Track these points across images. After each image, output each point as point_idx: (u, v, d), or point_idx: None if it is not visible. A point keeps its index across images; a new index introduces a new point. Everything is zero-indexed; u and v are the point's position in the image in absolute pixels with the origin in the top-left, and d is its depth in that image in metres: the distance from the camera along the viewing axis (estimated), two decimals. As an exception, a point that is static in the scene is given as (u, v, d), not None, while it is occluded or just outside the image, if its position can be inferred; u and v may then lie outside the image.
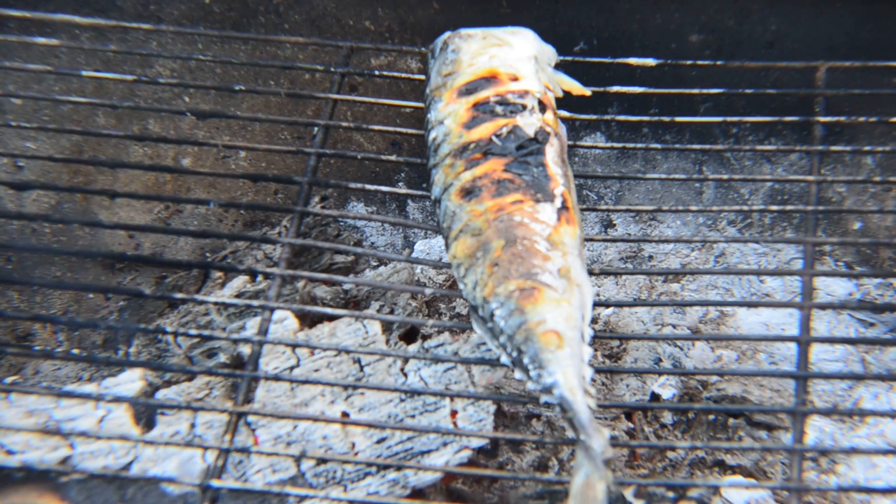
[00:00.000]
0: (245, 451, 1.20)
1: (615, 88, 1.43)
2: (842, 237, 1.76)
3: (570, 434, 1.02)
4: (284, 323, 1.43)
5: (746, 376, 1.53)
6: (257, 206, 1.85)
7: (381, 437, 1.31)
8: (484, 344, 1.21)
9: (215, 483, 1.08)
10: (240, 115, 1.64)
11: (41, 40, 1.56)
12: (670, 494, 1.31)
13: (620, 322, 1.67)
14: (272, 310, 1.23)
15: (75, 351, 1.70)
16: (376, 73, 1.63)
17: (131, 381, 1.42)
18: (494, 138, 1.22)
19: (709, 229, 1.81)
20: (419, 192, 1.37)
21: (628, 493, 1.29)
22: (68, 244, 1.78)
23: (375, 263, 1.74)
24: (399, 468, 1.33)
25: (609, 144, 1.68)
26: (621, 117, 1.50)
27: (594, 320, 1.64)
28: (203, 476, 1.10)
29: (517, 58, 1.31)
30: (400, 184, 1.85)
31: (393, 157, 1.41)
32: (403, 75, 1.64)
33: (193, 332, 1.46)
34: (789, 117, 1.41)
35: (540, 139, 1.22)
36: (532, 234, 1.13)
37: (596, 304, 1.18)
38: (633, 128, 1.79)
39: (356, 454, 1.33)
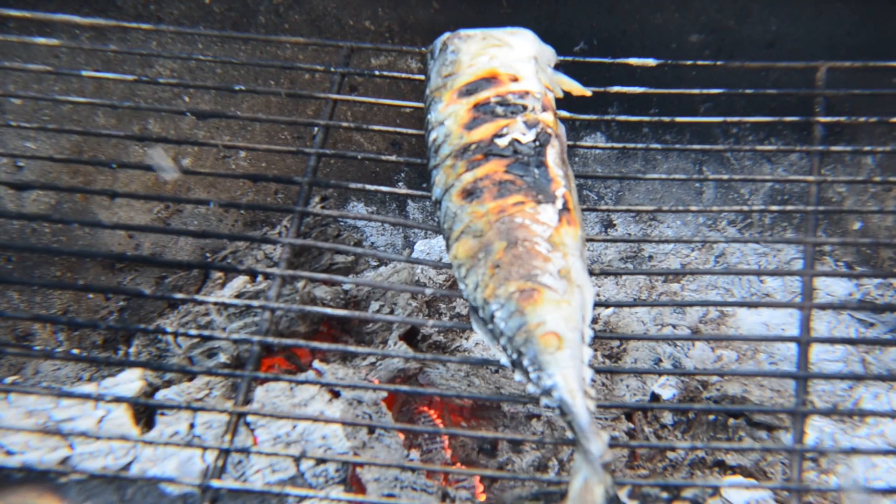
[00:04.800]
0: (245, 451, 1.20)
1: (615, 88, 1.43)
2: (842, 237, 1.76)
3: (570, 434, 1.02)
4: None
5: (746, 376, 1.53)
6: (257, 206, 1.85)
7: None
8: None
9: (215, 483, 1.08)
10: (240, 115, 1.64)
11: (41, 40, 1.56)
12: (664, 495, 1.31)
13: (620, 322, 1.67)
14: (272, 310, 1.23)
15: (75, 351, 1.70)
16: (376, 73, 1.63)
17: (131, 382, 1.42)
18: (495, 139, 1.22)
19: (709, 229, 1.81)
20: (419, 193, 1.37)
21: (623, 493, 1.29)
22: (68, 244, 1.78)
23: (375, 263, 1.74)
24: (402, 469, 1.34)
25: (609, 144, 1.68)
26: (621, 117, 1.49)
27: (594, 320, 1.64)
28: (203, 476, 1.10)
29: (517, 58, 1.31)
30: (400, 184, 1.85)
31: (393, 158, 1.41)
32: (403, 75, 1.64)
33: (193, 332, 1.46)
34: (789, 117, 1.41)
35: (541, 140, 1.22)
36: (533, 236, 1.13)
37: (596, 305, 1.18)
38: (633, 128, 1.79)
39: (356, 454, 1.33)
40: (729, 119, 1.49)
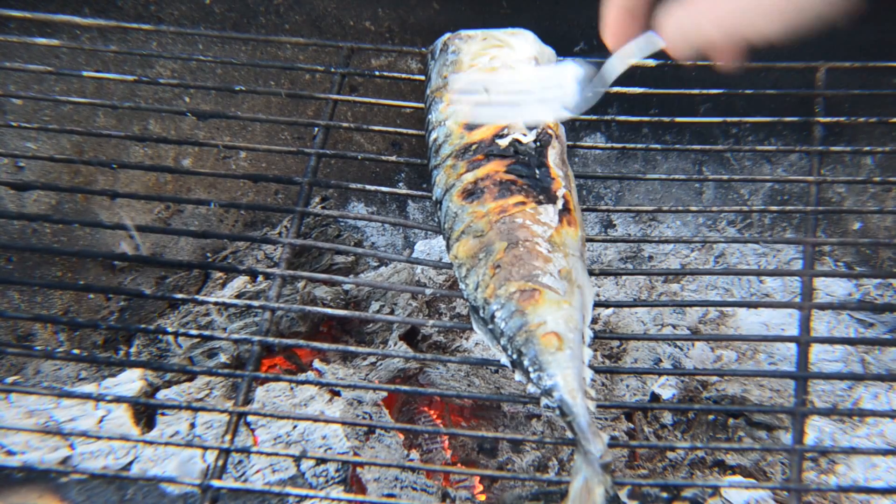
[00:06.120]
0: (245, 451, 1.20)
1: (615, 88, 1.43)
2: (842, 237, 1.76)
3: (570, 435, 1.03)
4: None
5: (746, 376, 1.54)
6: (258, 206, 1.85)
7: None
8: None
9: (216, 483, 1.09)
10: (240, 115, 1.64)
11: (42, 41, 1.56)
12: (664, 495, 1.31)
13: (620, 322, 1.67)
14: (273, 310, 1.23)
15: (76, 351, 1.70)
16: (376, 73, 1.63)
17: (131, 382, 1.42)
18: (496, 140, 1.22)
19: (709, 229, 1.81)
20: (419, 193, 1.37)
21: (623, 493, 1.29)
22: (69, 244, 1.78)
23: (376, 264, 1.74)
24: (402, 468, 1.34)
25: (609, 145, 1.69)
26: (621, 118, 1.50)
27: (594, 321, 1.64)
28: (203, 476, 1.10)
29: (517, 59, 1.31)
30: (400, 184, 1.85)
31: (393, 158, 1.41)
32: (403, 76, 1.64)
33: (194, 332, 1.46)
34: (789, 118, 1.41)
35: (542, 141, 1.23)
36: (534, 236, 1.14)
37: (596, 305, 1.18)
38: (633, 128, 1.79)
39: (356, 454, 1.33)
40: (729, 119, 1.50)
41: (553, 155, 1.22)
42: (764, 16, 0.89)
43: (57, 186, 1.72)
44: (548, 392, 1.04)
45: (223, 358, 1.54)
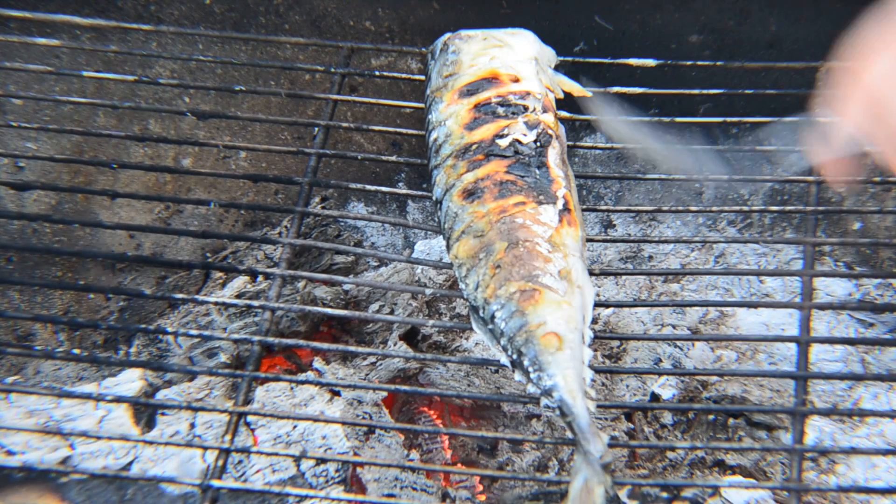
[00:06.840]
0: (245, 451, 1.20)
1: (615, 88, 1.43)
2: (842, 237, 1.76)
3: (570, 435, 1.03)
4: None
5: (746, 376, 1.53)
6: (258, 206, 1.85)
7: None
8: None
9: (215, 483, 1.09)
10: (240, 115, 1.64)
11: (42, 41, 1.56)
12: (664, 495, 1.31)
13: (620, 322, 1.67)
14: (273, 310, 1.23)
15: (76, 351, 1.70)
16: (376, 73, 1.63)
17: (131, 381, 1.42)
18: (496, 140, 1.22)
19: (709, 229, 1.81)
20: (419, 193, 1.37)
21: (623, 493, 1.29)
22: (69, 244, 1.78)
23: (376, 264, 1.74)
24: (402, 468, 1.34)
25: (609, 144, 1.68)
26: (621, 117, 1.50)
27: (594, 321, 1.64)
28: (203, 476, 1.10)
29: (518, 59, 1.31)
30: (400, 184, 1.85)
31: (393, 158, 1.41)
32: (403, 76, 1.64)
33: (194, 332, 1.46)
34: (789, 117, 1.41)
35: (542, 141, 1.23)
36: (534, 237, 1.14)
37: (596, 305, 1.18)
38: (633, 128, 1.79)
39: (356, 454, 1.33)
40: (729, 119, 1.50)
41: (553, 155, 1.23)
42: None
43: (57, 186, 1.72)
44: (548, 392, 1.04)
45: (223, 358, 1.54)
